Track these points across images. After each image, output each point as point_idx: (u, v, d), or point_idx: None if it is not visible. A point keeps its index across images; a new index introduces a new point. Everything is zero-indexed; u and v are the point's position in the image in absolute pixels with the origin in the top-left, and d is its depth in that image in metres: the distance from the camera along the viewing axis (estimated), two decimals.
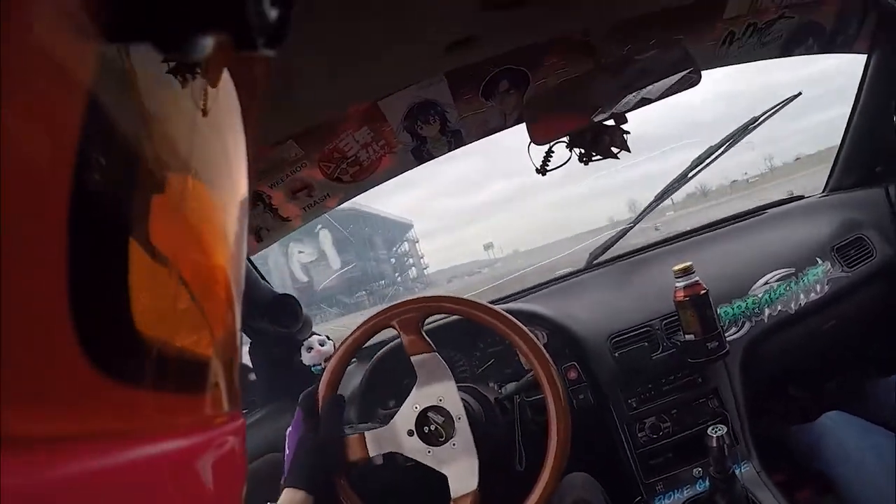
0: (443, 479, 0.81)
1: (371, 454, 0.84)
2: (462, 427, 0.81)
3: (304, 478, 0.78)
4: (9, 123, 0.14)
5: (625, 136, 0.88)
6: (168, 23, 0.17)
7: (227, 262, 0.24)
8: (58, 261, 0.15)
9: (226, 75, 0.22)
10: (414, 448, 0.82)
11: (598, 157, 0.88)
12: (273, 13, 0.19)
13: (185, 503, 0.21)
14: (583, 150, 0.88)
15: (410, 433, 0.82)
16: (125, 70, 0.18)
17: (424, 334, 0.86)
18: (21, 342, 0.14)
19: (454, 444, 0.81)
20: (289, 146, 1.02)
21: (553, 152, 0.92)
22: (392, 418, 0.85)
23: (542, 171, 0.92)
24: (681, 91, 0.95)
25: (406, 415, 0.83)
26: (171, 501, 0.20)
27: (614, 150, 0.86)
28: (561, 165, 0.92)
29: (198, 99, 0.21)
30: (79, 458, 0.16)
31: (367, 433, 0.85)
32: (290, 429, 0.85)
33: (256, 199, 1.09)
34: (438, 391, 0.83)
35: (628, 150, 0.87)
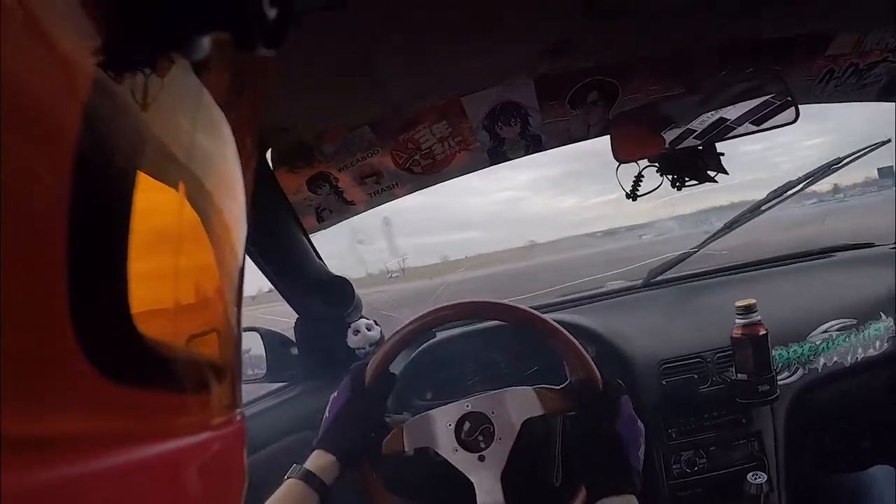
0: (468, 483, 0.78)
1: (406, 447, 0.81)
2: (500, 448, 0.79)
3: (338, 444, 0.76)
4: (8, 125, 0.14)
5: (720, 157, 0.84)
6: (168, 23, 0.17)
7: (227, 264, 0.24)
8: (57, 261, 0.15)
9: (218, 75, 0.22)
10: (447, 445, 0.80)
11: (694, 181, 0.85)
12: (272, 13, 0.19)
13: None
14: (675, 175, 0.85)
15: (449, 425, 0.80)
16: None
17: None
18: (21, 342, 0.14)
19: (483, 458, 0.78)
20: (363, 131, 1.00)
21: (643, 177, 0.89)
22: (427, 410, 0.82)
23: (633, 195, 0.89)
24: (775, 126, 0.91)
25: (451, 410, 0.81)
26: (170, 502, 0.21)
27: (711, 173, 0.83)
28: (652, 191, 0.89)
29: (198, 96, 0.21)
30: (79, 458, 0.16)
31: (404, 426, 0.82)
32: (335, 393, 0.83)
33: (323, 179, 1.08)
34: (492, 404, 0.81)
35: (725, 172, 0.84)
